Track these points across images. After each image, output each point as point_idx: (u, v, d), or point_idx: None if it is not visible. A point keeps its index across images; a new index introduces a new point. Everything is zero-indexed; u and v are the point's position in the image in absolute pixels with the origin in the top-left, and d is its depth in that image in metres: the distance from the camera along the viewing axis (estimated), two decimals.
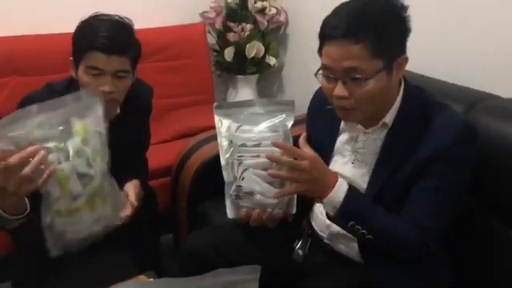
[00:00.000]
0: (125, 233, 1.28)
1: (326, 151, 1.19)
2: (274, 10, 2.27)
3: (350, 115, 1.07)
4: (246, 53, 2.27)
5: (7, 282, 1.42)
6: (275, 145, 1.05)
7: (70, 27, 1.64)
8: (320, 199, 1.04)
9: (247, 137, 1.14)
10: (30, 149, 0.99)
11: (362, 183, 1.11)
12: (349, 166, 1.15)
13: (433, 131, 1.04)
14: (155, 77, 1.91)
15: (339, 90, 1.01)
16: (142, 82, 1.43)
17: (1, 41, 1.92)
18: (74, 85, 1.27)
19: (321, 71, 1.05)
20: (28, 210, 1.10)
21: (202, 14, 2.34)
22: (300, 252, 1.23)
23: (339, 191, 1.02)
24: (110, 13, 1.28)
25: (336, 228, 1.16)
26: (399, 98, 1.08)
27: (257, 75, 2.41)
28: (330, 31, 1.00)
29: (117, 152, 1.25)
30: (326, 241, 1.21)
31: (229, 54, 2.28)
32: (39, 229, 1.07)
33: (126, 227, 1.24)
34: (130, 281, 0.75)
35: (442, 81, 1.45)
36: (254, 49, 2.26)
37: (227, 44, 2.29)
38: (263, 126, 1.15)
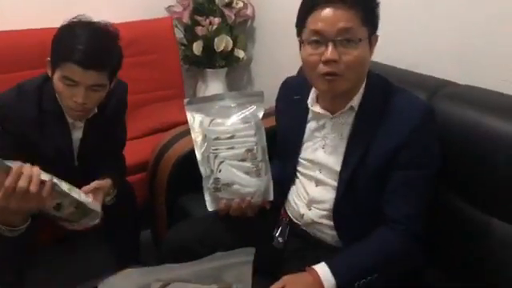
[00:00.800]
0: (104, 230, 1.29)
1: (296, 140, 1.23)
2: (240, 4, 2.29)
3: (335, 83, 1.08)
4: (215, 46, 2.28)
5: None
6: None
7: (41, 23, 1.62)
8: None
9: (220, 130, 1.18)
10: (18, 167, 1.03)
11: (336, 166, 1.16)
12: (320, 151, 1.19)
13: (397, 114, 1.09)
14: (123, 72, 1.89)
15: (331, 53, 1.04)
16: (117, 79, 1.42)
17: None
18: (48, 84, 1.25)
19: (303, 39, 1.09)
20: (29, 222, 1.14)
21: (168, 9, 2.33)
22: (280, 239, 1.27)
23: (327, 279, 1.05)
24: (79, 8, 1.26)
25: (310, 217, 1.21)
26: (363, 84, 1.14)
27: (226, 68, 2.43)
28: None
29: (93, 150, 1.26)
30: (302, 227, 1.25)
31: (197, 47, 2.29)
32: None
33: (106, 224, 1.25)
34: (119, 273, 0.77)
35: (404, 69, 1.52)
36: (223, 42, 2.27)
37: (195, 38, 2.30)
38: (235, 118, 1.19)
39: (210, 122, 1.19)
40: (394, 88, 1.15)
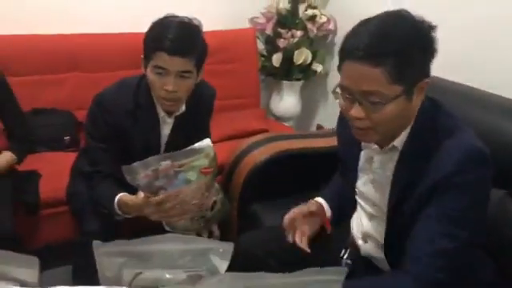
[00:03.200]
0: None
1: (351, 164, 1.18)
2: (324, 18, 2.30)
3: (365, 135, 1.04)
4: (294, 59, 2.31)
5: (68, 266, 1.50)
6: None
7: (133, 28, 1.72)
8: None
9: None
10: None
11: (382, 204, 1.10)
12: (369, 186, 1.14)
13: (440, 157, 0.99)
14: (205, 79, 1.98)
15: (356, 111, 0.97)
16: (207, 84, 1.49)
17: (63, 38, 2.03)
18: (145, 80, 1.35)
19: (338, 89, 1.00)
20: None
21: (252, 20, 2.39)
22: (348, 261, 1.23)
23: None
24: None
25: (366, 250, 1.18)
26: (410, 125, 1.03)
27: (301, 81, 2.45)
28: (350, 51, 0.94)
29: (178, 148, 1.32)
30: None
31: (277, 59, 2.33)
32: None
33: None
34: None
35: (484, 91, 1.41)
36: (303, 55, 2.30)
37: (276, 49, 2.34)
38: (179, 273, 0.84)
39: (135, 277, 0.83)
40: (446, 124, 1.03)
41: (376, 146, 1.10)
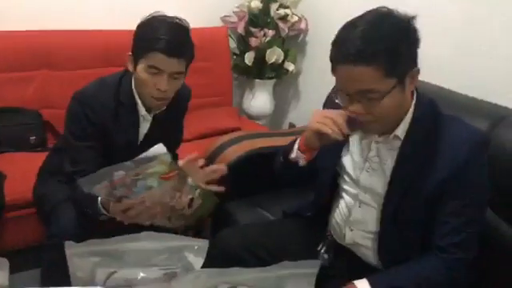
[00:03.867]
0: None
1: (334, 155, 1.22)
2: (295, 18, 2.32)
3: (369, 129, 1.09)
4: (266, 58, 2.32)
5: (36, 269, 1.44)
6: None
7: (107, 25, 1.69)
8: None
9: None
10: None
11: (379, 190, 1.15)
12: (364, 173, 1.18)
13: (447, 145, 1.06)
14: None
15: (356, 108, 1.04)
16: (183, 83, 1.48)
17: (31, 35, 1.97)
18: (126, 79, 1.35)
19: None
20: None
21: (224, 18, 2.39)
22: (325, 256, 1.26)
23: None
24: (142, 13, 1.33)
25: (351, 237, 1.21)
26: (411, 110, 1.10)
27: (274, 80, 2.46)
28: (340, 55, 1.00)
29: (154, 145, 1.31)
30: (347, 246, 1.25)
31: (249, 58, 2.33)
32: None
33: None
34: None
35: (466, 95, 1.47)
36: (275, 54, 2.31)
37: (248, 48, 2.34)
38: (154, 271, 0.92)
39: (109, 276, 0.86)
40: (444, 116, 1.12)
41: (373, 135, 1.14)
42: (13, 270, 0.75)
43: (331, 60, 1.04)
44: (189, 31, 1.33)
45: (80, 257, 0.80)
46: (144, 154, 1.16)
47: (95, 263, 0.80)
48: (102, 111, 1.34)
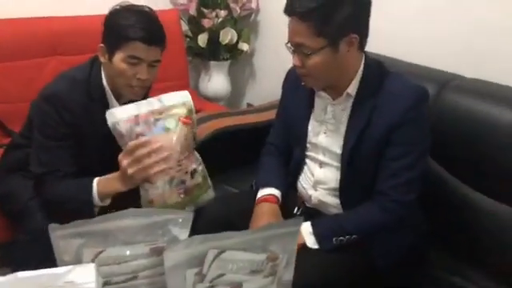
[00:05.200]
0: None
1: (302, 124, 1.30)
2: None
3: (307, 82, 1.22)
4: (220, 39, 2.32)
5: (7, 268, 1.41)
6: None
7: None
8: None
9: (114, 270, 0.83)
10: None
11: (337, 149, 1.24)
12: (322, 136, 1.28)
13: (391, 96, 1.18)
14: None
15: (295, 59, 1.17)
16: None
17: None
18: (95, 72, 1.32)
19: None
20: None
21: (173, 1, 2.36)
22: (301, 218, 1.34)
23: (305, 227, 1.19)
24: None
25: (316, 197, 1.30)
26: (360, 71, 1.21)
27: (229, 61, 2.48)
28: (289, 9, 1.14)
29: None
30: (314, 207, 1.34)
31: (202, 40, 2.33)
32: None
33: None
34: None
35: (412, 63, 1.60)
36: (228, 35, 2.32)
37: (200, 30, 2.34)
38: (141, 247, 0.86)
39: (97, 256, 0.83)
40: (390, 73, 1.23)
41: (328, 97, 1.24)
42: None
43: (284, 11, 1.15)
44: (159, 19, 1.33)
45: (64, 239, 0.80)
46: (171, 95, 1.26)
47: (81, 244, 0.81)
48: (76, 109, 1.30)
